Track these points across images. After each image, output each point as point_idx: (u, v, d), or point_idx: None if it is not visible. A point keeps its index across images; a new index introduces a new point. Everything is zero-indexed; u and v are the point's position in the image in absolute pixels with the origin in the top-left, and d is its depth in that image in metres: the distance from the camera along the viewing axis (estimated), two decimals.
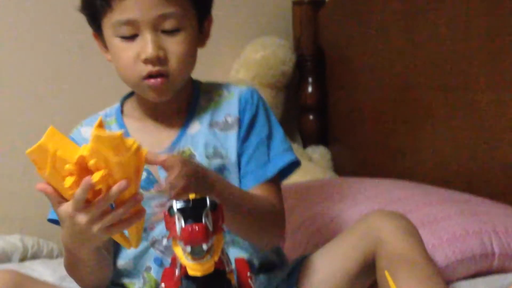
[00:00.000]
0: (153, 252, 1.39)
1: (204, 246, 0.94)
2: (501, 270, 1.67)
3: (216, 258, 0.96)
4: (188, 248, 0.94)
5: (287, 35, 2.65)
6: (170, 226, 0.97)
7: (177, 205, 0.96)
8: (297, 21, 2.65)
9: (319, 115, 2.64)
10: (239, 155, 1.42)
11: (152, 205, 1.38)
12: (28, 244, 2.16)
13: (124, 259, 1.42)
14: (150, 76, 1.33)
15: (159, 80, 1.34)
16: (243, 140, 1.42)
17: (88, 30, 1.46)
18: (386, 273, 1.21)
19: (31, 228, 2.25)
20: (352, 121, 2.53)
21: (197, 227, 0.93)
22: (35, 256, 2.16)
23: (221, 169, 1.40)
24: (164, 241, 1.37)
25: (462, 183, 1.98)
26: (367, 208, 1.80)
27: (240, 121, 1.42)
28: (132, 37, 1.34)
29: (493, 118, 1.96)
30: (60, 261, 2.06)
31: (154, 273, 1.39)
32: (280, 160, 1.43)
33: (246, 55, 2.55)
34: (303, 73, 2.64)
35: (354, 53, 2.50)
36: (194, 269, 0.95)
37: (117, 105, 1.48)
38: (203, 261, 0.95)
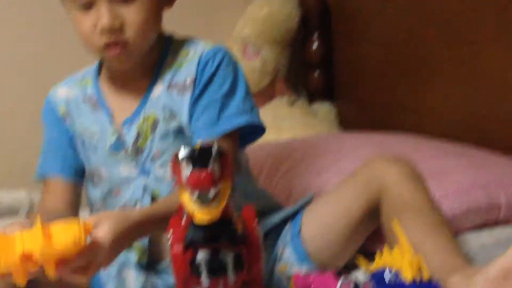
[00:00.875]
0: None
1: (211, 192, 0.94)
2: (507, 222, 1.67)
3: (222, 205, 0.97)
4: (195, 195, 0.94)
5: None
6: (176, 173, 0.97)
7: (183, 152, 0.95)
8: None
9: (325, 71, 2.63)
10: (190, 116, 1.40)
11: (120, 168, 1.40)
12: (35, 199, 2.17)
13: None
14: (107, 45, 1.33)
15: (118, 49, 1.33)
16: (195, 100, 1.39)
17: None
18: (395, 222, 1.21)
19: (38, 183, 2.25)
20: (358, 77, 2.53)
21: (204, 173, 0.93)
22: None
23: (179, 131, 1.39)
24: (138, 206, 1.39)
25: (469, 137, 1.97)
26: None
27: (195, 82, 1.39)
28: (89, 7, 1.33)
29: (500, 71, 1.95)
30: None
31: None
32: (231, 121, 1.38)
33: (251, 12, 2.53)
34: (308, 29, 2.62)
35: (360, 7, 2.48)
36: (201, 215, 0.96)
37: (95, 65, 1.50)
38: (210, 208, 0.95)
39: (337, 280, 1.08)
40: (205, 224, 0.97)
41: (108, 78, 1.45)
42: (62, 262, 1.06)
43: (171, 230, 1.04)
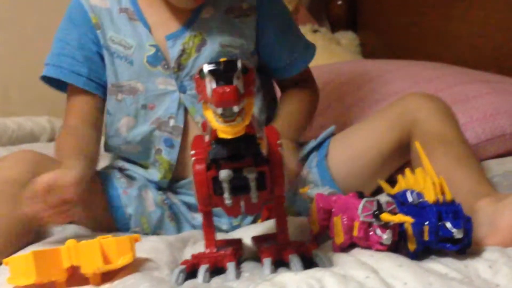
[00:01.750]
0: (161, 134, 1.41)
1: (235, 108, 0.94)
2: None
3: (247, 122, 0.96)
4: (219, 110, 0.94)
5: None
6: (200, 89, 0.97)
7: (208, 67, 0.95)
8: None
9: (348, 0, 2.61)
10: (264, 44, 1.44)
11: (156, 82, 1.39)
12: (56, 126, 2.20)
13: (127, 145, 1.44)
14: None
15: None
16: (262, 27, 1.42)
17: None
18: (417, 144, 1.20)
19: (59, 110, 2.26)
20: (381, 6, 2.52)
21: (228, 89, 0.92)
22: None
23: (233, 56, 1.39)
24: (171, 122, 1.39)
25: (494, 66, 1.97)
26: (397, 87, 1.81)
27: (256, 8, 1.42)
28: None
29: None
30: None
31: (166, 154, 1.41)
32: (312, 48, 1.52)
33: None
34: None
35: None
36: (225, 131, 0.95)
37: None
38: (234, 124, 0.95)
39: (360, 200, 1.09)
40: (229, 140, 0.96)
41: None
42: (108, 274, 1.07)
43: (193, 149, 1.05)
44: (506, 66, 1.95)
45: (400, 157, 1.42)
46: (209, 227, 1.09)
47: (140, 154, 1.44)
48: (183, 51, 1.39)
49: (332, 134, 1.50)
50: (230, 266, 1.04)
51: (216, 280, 1.04)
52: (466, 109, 1.65)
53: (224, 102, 0.92)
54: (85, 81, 1.42)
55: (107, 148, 1.50)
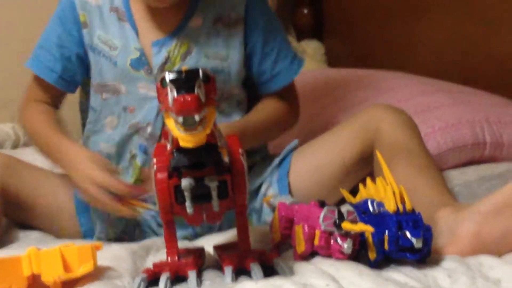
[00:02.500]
0: (137, 139, 1.40)
1: (196, 117, 0.94)
2: (491, 160, 1.68)
3: (208, 131, 0.96)
4: (180, 119, 0.94)
5: None
6: (162, 97, 0.97)
7: (169, 76, 0.95)
8: None
9: (314, 8, 2.62)
10: (249, 56, 1.43)
11: (138, 86, 1.39)
12: (20, 133, 2.18)
13: (106, 143, 1.43)
14: None
15: None
16: (249, 39, 1.42)
17: None
18: (378, 153, 1.21)
19: None
20: (347, 14, 2.52)
21: (189, 97, 0.93)
22: (26, 144, 2.17)
23: (217, 71, 1.39)
24: (149, 129, 1.38)
25: (457, 76, 1.98)
26: (360, 97, 1.82)
27: (245, 19, 1.41)
28: None
29: (492, 10, 1.95)
30: None
31: (140, 160, 1.41)
32: (299, 63, 1.50)
33: None
34: None
35: None
36: (186, 140, 0.95)
37: None
38: (195, 132, 0.95)
39: (321, 209, 1.09)
40: (190, 149, 0.97)
41: None
42: (69, 283, 1.06)
43: (155, 157, 1.05)
44: (471, 76, 1.97)
45: (363, 168, 1.42)
46: (171, 236, 1.09)
47: (115, 156, 1.43)
48: (167, 58, 1.39)
49: (295, 147, 1.50)
50: (191, 274, 1.04)
51: None
52: (428, 119, 1.65)
53: (185, 111, 0.93)
54: (57, 78, 1.42)
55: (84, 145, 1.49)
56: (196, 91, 0.93)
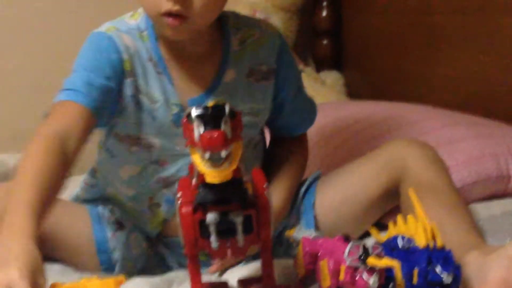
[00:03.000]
0: (165, 192, 1.36)
1: (223, 153, 0.93)
2: None
3: (234, 166, 0.96)
4: (207, 155, 0.93)
5: None
6: (188, 133, 0.96)
7: (196, 111, 0.95)
8: None
9: (333, 40, 2.63)
10: (278, 108, 1.42)
11: (175, 142, 1.32)
12: None
13: (123, 184, 1.38)
14: (168, 13, 1.21)
15: (177, 20, 1.22)
16: (279, 91, 1.40)
17: None
18: (411, 191, 1.20)
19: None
20: (367, 46, 2.53)
21: (216, 133, 0.92)
22: None
23: (251, 126, 1.37)
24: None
25: (478, 108, 1.97)
26: (381, 129, 1.81)
27: (276, 71, 1.38)
28: None
29: (509, 42, 1.94)
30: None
31: (164, 211, 1.38)
32: (315, 112, 1.50)
33: None
34: None
35: None
36: (212, 175, 0.95)
37: (143, 18, 1.33)
38: (221, 168, 0.95)
39: (346, 244, 1.08)
40: (216, 184, 0.96)
41: (168, 47, 1.32)
42: None
43: (180, 192, 1.04)
44: (490, 108, 1.96)
45: (388, 203, 1.41)
46: (195, 270, 1.08)
47: (133, 198, 1.39)
48: None
49: (318, 177, 1.49)
50: None
51: None
52: (451, 152, 1.64)
53: (212, 147, 0.92)
54: (95, 107, 1.23)
55: (95, 176, 1.45)
56: (222, 127, 0.93)
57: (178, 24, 1.22)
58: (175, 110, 1.31)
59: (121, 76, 1.28)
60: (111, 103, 1.27)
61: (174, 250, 1.40)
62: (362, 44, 2.55)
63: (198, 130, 0.93)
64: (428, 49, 2.24)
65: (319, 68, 2.63)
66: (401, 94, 2.23)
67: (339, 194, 1.42)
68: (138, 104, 1.30)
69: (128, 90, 1.29)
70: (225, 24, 1.36)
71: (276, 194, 1.35)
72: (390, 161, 1.39)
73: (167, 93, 1.31)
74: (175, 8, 1.20)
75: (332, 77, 2.59)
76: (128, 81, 1.29)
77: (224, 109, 0.95)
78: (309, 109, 1.49)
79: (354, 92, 2.56)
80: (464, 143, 1.70)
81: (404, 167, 1.37)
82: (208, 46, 1.34)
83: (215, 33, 1.35)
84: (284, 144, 1.49)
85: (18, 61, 2.35)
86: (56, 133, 1.15)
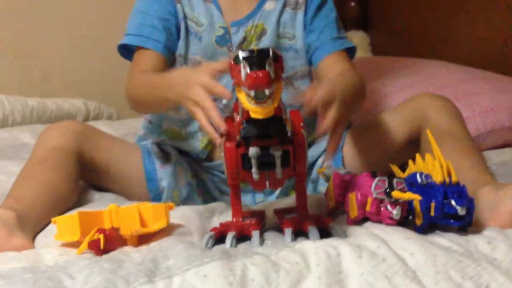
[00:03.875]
0: None
1: (267, 91, 0.97)
2: None
3: (276, 104, 0.99)
4: (252, 93, 0.97)
5: None
6: (235, 73, 1.00)
7: (242, 54, 0.98)
8: None
9: (361, 2, 2.63)
10: (308, 33, 1.45)
11: (219, 61, 1.34)
12: (90, 107, 2.23)
13: (177, 110, 1.43)
14: None
15: None
16: (310, 20, 1.45)
17: None
18: (428, 132, 1.22)
19: (93, 93, 2.30)
20: (391, 7, 2.53)
21: (261, 73, 0.96)
22: (96, 118, 2.22)
23: (288, 49, 1.45)
24: (224, 100, 1.38)
25: (495, 65, 1.98)
26: (405, 82, 1.83)
27: (307, 2, 1.45)
28: None
29: None
30: (120, 123, 2.13)
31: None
32: (348, 42, 1.49)
33: None
34: None
35: None
36: (257, 112, 0.98)
37: None
38: (265, 105, 0.98)
39: (373, 179, 1.12)
40: (259, 120, 0.99)
41: None
42: (144, 237, 1.09)
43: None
44: (506, 66, 1.97)
45: (410, 150, 1.41)
46: (236, 199, 1.12)
47: (185, 121, 1.45)
48: (244, 38, 1.43)
49: (349, 126, 1.51)
50: (255, 234, 1.07)
51: (242, 246, 1.07)
52: (468, 104, 1.66)
53: (258, 85, 0.96)
54: (163, 47, 1.42)
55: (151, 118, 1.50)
56: (267, 68, 0.96)
57: None
58: (221, 32, 1.43)
59: (173, 3, 1.43)
60: (174, 31, 1.43)
61: (216, 176, 1.45)
62: (387, 6, 2.55)
63: (245, 70, 0.97)
64: (449, 8, 2.24)
65: (347, 28, 2.59)
66: (424, 53, 2.23)
67: (367, 140, 1.45)
68: (186, 27, 1.43)
69: (180, 14, 1.42)
70: None
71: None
72: (413, 112, 1.42)
73: (214, 17, 1.43)
74: None
75: (359, 37, 2.59)
76: (178, 6, 1.43)
77: (268, 52, 0.98)
78: (328, 38, 1.47)
79: (379, 51, 2.56)
80: (480, 96, 1.72)
81: (425, 117, 1.39)
82: None
83: None
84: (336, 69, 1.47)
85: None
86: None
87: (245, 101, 0.99)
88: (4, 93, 2.14)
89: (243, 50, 0.98)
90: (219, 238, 1.09)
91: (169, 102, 1.27)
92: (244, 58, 0.97)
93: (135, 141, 1.53)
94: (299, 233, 1.09)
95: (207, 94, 1.13)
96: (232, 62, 1.00)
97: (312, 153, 1.47)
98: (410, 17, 2.42)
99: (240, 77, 0.98)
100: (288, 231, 1.07)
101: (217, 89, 1.12)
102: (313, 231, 1.05)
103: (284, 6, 1.45)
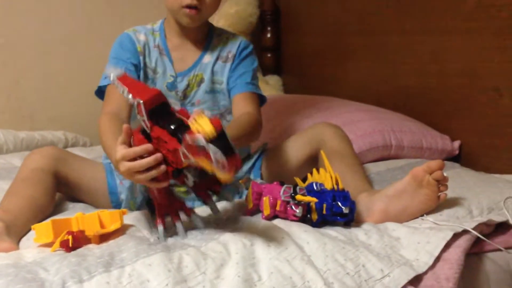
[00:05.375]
0: None
1: None
2: (395, 157, 1.72)
3: None
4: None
5: None
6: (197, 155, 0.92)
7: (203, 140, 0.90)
8: None
9: (275, 54, 2.64)
10: (229, 78, 1.44)
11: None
12: (69, 137, 2.17)
13: None
14: (188, 6, 1.35)
15: (193, 11, 1.36)
16: (233, 69, 1.44)
17: None
18: (322, 153, 1.23)
19: (71, 126, 2.26)
20: (298, 58, 2.54)
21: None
22: (73, 145, 2.17)
23: (218, 91, 1.44)
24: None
25: (373, 100, 2.00)
26: (306, 113, 1.84)
27: (235, 56, 1.44)
28: None
29: (396, 54, 1.98)
30: (92, 149, 2.09)
31: None
32: (258, 89, 1.46)
33: (224, 10, 2.51)
34: (264, 23, 2.62)
35: (302, 10, 2.49)
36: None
37: (159, 23, 1.47)
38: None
39: (281, 187, 1.12)
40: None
41: (171, 38, 1.44)
42: (104, 236, 1.08)
43: None
44: (381, 100, 1.99)
45: (311, 165, 1.38)
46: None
47: None
48: (188, 85, 1.42)
49: (266, 149, 1.50)
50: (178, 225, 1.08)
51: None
52: (352, 129, 1.67)
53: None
54: None
55: None
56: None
57: (195, 14, 1.36)
58: (170, 79, 1.42)
59: (136, 54, 1.41)
60: (137, 76, 1.40)
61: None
62: (295, 57, 2.56)
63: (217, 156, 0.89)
64: (340, 60, 2.26)
65: (265, 73, 2.64)
66: (322, 91, 2.25)
67: (278, 159, 1.44)
68: (145, 74, 1.42)
69: (141, 64, 1.41)
70: (211, 26, 1.48)
71: None
72: (312, 137, 1.41)
73: (166, 68, 1.42)
74: (194, 2, 1.35)
75: (274, 80, 2.60)
76: (141, 58, 1.41)
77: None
78: (244, 81, 1.44)
79: (289, 90, 2.58)
80: (361, 123, 1.73)
81: (321, 141, 1.39)
82: (199, 37, 1.44)
83: (205, 29, 1.45)
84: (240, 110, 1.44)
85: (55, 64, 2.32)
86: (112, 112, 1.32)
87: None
88: None
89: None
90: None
91: None
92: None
93: (102, 159, 1.49)
94: None
95: (130, 165, 1.03)
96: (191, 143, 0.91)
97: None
98: (312, 64, 2.44)
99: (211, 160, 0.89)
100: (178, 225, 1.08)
101: (133, 154, 1.03)
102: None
103: (217, 59, 1.44)
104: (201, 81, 1.43)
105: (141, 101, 0.98)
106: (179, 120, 0.98)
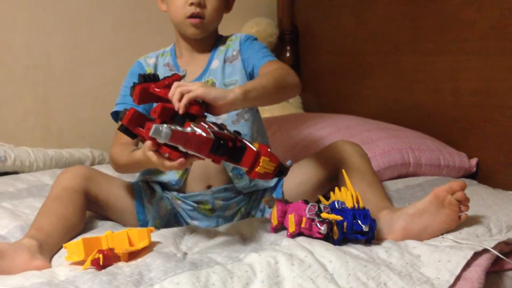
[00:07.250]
0: None
1: None
2: (414, 174, 1.71)
3: None
4: None
5: (273, 16, 2.66)
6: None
7: None
8: (280, 6, 2.65)
9: (295, 71, 2.64)
10: (245, 66, 1.42)
11: None
12: (96, 155, 2.20)
13: None
14: (192, 16, 1.36)
15: (197, 20, 1.37)
16: (244, 59, 1.42)
17: None
18: (343, 171, 1.23)
19: (98, 144, 2.28)
20: (317, 77, 2.54)
21: None
22: (100, 163, 2.20)
23: None
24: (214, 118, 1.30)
25: (390, 118, 2.00)
26: (325, 132, 1.84)
27: (240, 51, 1.43)
28: None
29: (410, 73, 1.98)
30: None
31: None
32: (272, 56, 1.41)
33: (245, 30, 2.54)
34: (284, 43, 2.63)
35: (319, 29, 2.50)
36: None
37: (171, 46, 1.50)
38: None
39: (306, 205, 1.13)
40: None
41: (181, 56, 1.46)
42: (133, 253, 1.09)
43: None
44: (399, 118, 1.99)
45: (331, 183, 1.39)
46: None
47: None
48: None
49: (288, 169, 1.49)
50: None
51: (205, 257, 1.06)
52: (371, 147, 1.67)
53: None
54: (141, 109, 1.32)
55: None
56: None
57: (198, 22, 1.38)
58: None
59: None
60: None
61: (189, 204, 1.41)
62: (314, 75, 2.56)
63: None
64: (357, 79, 2.26)
65: None
66: (340, 109, 2.25)
67: (298, 177, 1.42)
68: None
69: None
70: (219, 37, 1.48)
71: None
72: (332, 155, 1.40)
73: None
74: (197, 10, 1.37)
75: (294, 98, 2.60)
76: None
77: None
78: (261, 56, 1.39)
79: (308, 108, 2.59)
80: (380, 141, 1.72)
81: (341, 159, 1.37)
82: (207, 49, 1.45)
83: (212, 41, 1.45)
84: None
85: (83, 83, 2.35)
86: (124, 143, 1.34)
87: None
88: (29, 146, 2.12)
89: None
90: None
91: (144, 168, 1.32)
92: None
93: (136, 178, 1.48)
94: None
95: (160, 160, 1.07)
96: None
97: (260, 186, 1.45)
98: (330, 83, 2.45)
99: None
100: None
101: (166, 165, 1.07)
102: None
103: (224, 62, 1.43)
104: (213, 85, 1.40)
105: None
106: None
